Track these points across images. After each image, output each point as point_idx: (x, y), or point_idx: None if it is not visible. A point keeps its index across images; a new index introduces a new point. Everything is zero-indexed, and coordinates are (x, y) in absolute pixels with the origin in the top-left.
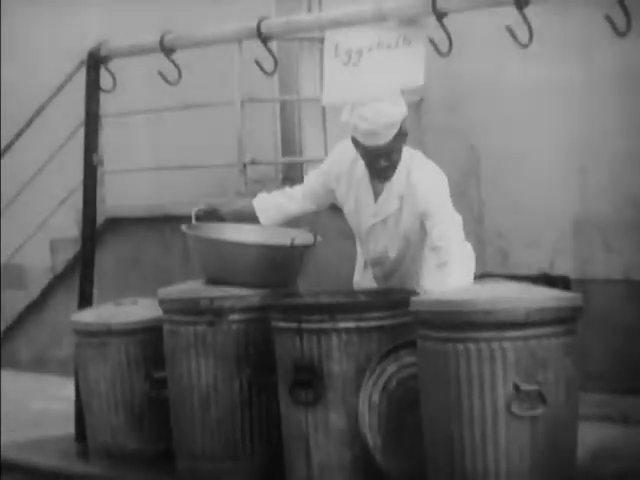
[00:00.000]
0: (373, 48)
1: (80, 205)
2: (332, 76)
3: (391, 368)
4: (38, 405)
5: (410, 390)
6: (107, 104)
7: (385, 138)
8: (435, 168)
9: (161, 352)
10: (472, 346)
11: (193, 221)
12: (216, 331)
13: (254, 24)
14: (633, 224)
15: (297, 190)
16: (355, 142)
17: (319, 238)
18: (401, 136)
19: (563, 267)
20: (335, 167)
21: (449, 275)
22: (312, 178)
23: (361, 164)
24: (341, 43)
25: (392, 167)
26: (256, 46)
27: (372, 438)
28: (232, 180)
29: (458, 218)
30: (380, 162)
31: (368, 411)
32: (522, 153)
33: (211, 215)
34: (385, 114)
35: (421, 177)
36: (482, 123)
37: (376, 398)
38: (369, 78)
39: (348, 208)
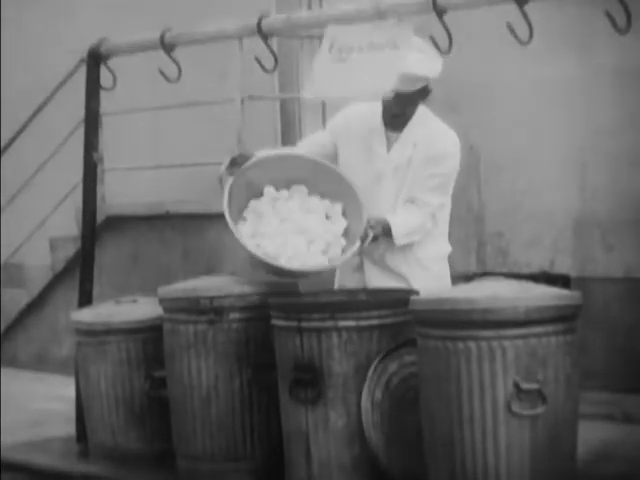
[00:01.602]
0: (364, 48)
1: (80, 203)
2: (320, 71)
3: (392, 367)
4: (38, 404)
5: (410, 389)
6: (107, 102)
7: (412, 87)
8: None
9: (161, 351)
10: (472, 345)
11: (224, 167)
12: (216, 330)
13: (255, 21)
14: (633, 222)
15: (304, 147)
16: None
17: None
18: (424, 92)
19: (563, 266)
20: (344, 119)
21: (408, 215)
22: (318, 135)
23: (377, 117)
24: (337, 39)
25: (403, 118)
26: (256, 44)
27: (375, 435)
28: None
29: (443, 200)
30: (396, 107)
31: (371, 408)
32: (522, 153)
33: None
34: (422, 66)
35: (443, 129)
36: (482, 123)
37: (379, 395)
38: (352, 77)
39: (355, 161)
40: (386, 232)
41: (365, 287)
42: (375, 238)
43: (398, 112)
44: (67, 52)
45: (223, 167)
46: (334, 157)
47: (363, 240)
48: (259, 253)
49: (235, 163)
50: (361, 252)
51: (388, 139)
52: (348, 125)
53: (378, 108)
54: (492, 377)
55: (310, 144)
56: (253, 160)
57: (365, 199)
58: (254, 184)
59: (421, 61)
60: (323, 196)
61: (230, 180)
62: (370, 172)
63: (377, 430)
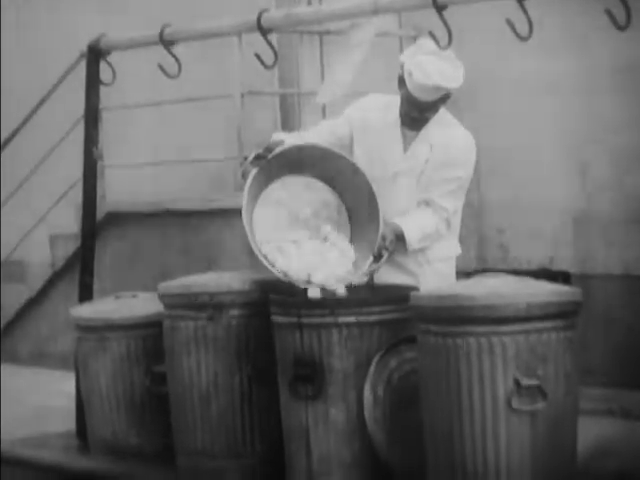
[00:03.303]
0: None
1: (80, 200)
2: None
3: (393, 363)
4: (38, 400)
5: (411, 385)
6: (107, 98)
7: (433, 96)
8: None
9: (161, 347)
10: (472, 341)
11: (249, 161)
12: (216, 326)
13: (254, 17)
14: (633, 219)
15: (322, 133)
16: (402, 82)
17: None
18: (446, 97)
19: (563, 262)
20: (361, 112)
21: (424, 219)
22: (335, 124)
23: (394, 113)
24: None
25: (424, 121)
26: (256, 39)
27: (377, 430)
28: (232, 174)
29: (458, 205)
30: (415, 113)
31: (373, 404)
32: (522, 148)
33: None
34: (443, 77)
35: (461, 132)
36: (482, 119)
37: (381, 391)
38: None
39: (369, 159)
40: (399, 238)
41: (370, 283)
42: (389, 255)
43: (417, 117)
44: (67, 47)
45: (247, 162)
46: (349, 148)
47: (376, 259)
48: (274, 269)
49: (260, 157)
50: (374, 271)
51: (405, 138)
52: (365, 118)
53: (396, 102)
54: (492, 373)
55: (328, 132)
56: (276, 152)
57: (379, 198)
58: (274, 174)
59: (444, 71)
60: (340, 196)
61: (252, 174)
62: (385, 171)
63: (379, 425)
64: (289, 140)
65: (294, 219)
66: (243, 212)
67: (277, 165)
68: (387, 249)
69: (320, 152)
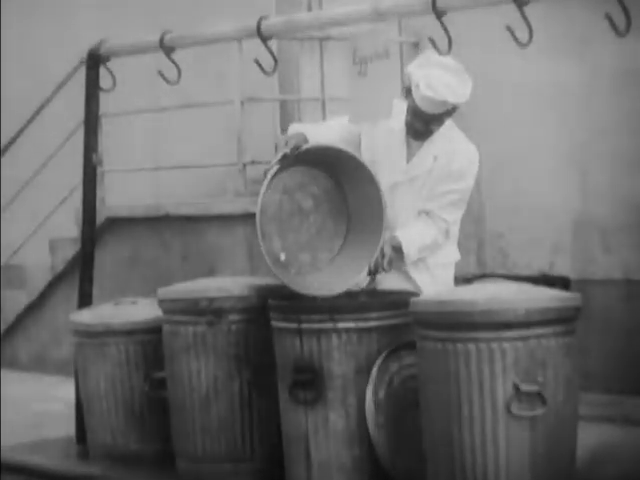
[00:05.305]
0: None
1: (80, 205)
2: None
3: (393, 367)
4: (38, 405)
5: (410, 390)
6: (107, 103)
7: (438, 109)
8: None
9: (161, 352)
10: (472, 346)
11: (275, 161)
12: (216, 331)
13: (254, 23)
14: (632, 224)
15: (334, 127)
16: (408, 92)
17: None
18: (451, 111)
19: (563, 267)
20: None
21: (423, 229)
22: (346, 121)
23: (400, 121)
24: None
25: (428, 133)
26: (256, 45)
27: (379, 435)
28: (232, 180)
29: (458, 216)
30: (420, 124)
31: (375, 408)
32: (522, 153)
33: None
34: (450, 91)
35: (465, 145)
36: (482, 123)
37: (382, 395)
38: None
39: (371, 158)
40: (397, 250)
41: (373, 288)
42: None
43: (422, 129)
44: (67, 53)
45: (274, 162)
46: (358, 148)
47: (371, 273)
48: (278, 270)
49: (287, 157)
50: (372, 282)
51: (409, 147)
52: (374, 121)
53: (403, 108)
54: (492, 379)
55: (342, 128)
56: (301, 149)
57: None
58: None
59: (451, 86)
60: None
61: (271, 172)
62: (387, 179)
63: (381, 430)
64: (308, 131)
65: (297, 209)
66: (257, 214)
67: (294, 158)
68: (384, 269)
69: (345, 155)
